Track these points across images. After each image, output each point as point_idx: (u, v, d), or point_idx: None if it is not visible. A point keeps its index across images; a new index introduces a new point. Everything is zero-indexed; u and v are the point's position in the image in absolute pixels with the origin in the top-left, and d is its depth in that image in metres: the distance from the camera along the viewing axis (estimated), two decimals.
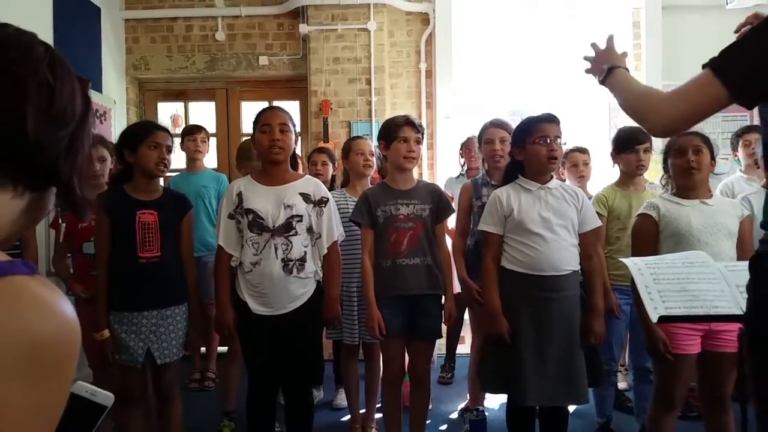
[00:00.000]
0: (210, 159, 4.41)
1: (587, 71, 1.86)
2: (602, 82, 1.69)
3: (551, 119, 2.53)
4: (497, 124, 3.15)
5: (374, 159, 3.27)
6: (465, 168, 4.12)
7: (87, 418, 0.75)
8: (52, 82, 0.69)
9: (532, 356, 2.43)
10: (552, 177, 2.60)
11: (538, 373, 2.41)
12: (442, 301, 2.76)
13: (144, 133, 2.60)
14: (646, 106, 1.43)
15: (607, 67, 1.67)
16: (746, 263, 1.43)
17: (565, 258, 2.48)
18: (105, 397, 0.76)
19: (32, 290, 0.59)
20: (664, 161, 2.61)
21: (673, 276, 1.96)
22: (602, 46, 1.82)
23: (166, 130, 2.70)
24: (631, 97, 1.53)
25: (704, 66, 1.32)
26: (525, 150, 2.54)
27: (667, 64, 5.02)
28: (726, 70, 1.28)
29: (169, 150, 2.63)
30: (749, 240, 2.47)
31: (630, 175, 3.14)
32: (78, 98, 0.73)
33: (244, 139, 4.31)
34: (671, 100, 1.37)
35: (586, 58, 1.85)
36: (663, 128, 1.41)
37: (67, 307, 0.61)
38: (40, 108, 0.67)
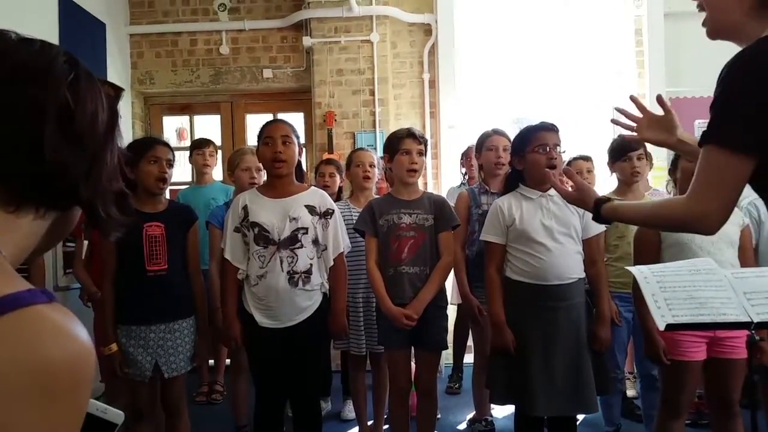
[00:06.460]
0: (215, 171, 4.43)
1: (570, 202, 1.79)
2: (598, 220, 1.61)
3: (550, 128, 2.55)
4: (501, 133, 3.17)
5: (375, 170, 3.28)
6: (466, 177, 4.13)
7: None
8: (72, 105, 0.67)
9: (541, 366, 2.42)
10: None
11: (547, 383, 2.41)
12: (447, 311, 2.76)
13: (143, 147, 2.59)
14: (683, 216, 1.27)
15: (591, 207, 1.61)
16: (753, 270, 1.43)
17: (570, 266, 2.48)
18: (115, 414, 0.77)
19: (50, 320, 0.60)
20: (674, 164, 2.61)
21: (680, 283, 1.95)
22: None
23: (166, 144, 2.71)
24: (651, 218, 1.45)
25: (704, 143, 1.20)
26: (524, 159, 2.55)
27: (670, 71, 5.02)
28: (741, 139, 1.14)
29: (170, 164, 2.63)
30: (750, 248, 2.48)
31: (627, 183, 3.14)
32: (101, 116, 0.72)
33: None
34: (706, 198, 1.21)
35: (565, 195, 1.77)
36: (720, 224, 1.25)
37: (83, 334, 0.62)
38: (59, 132, 0.66)
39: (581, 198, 1.69)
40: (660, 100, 1.66)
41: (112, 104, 0.74)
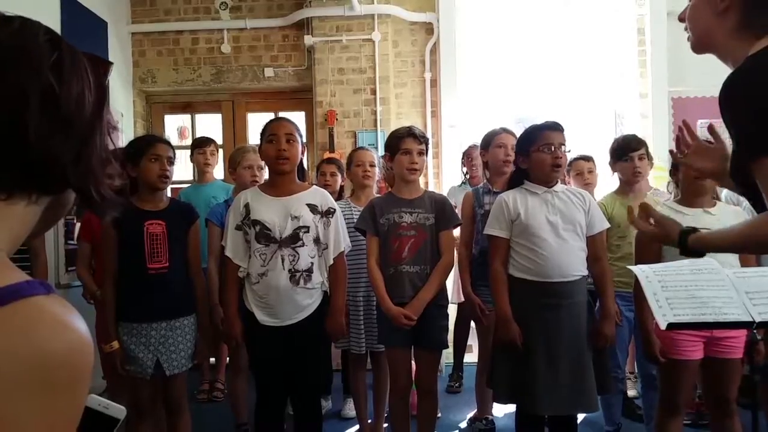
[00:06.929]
0: (216, 170, 4.43)
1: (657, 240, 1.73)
2: (685, 253, 1.53)
3: (555, 127, 2.55)
4: (509, 132, 3.15)
5: (376, 170, 3.28)
6: (467, 176, 4.12)
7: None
8: (56, 87, 0.64)
9: (543, 365, 2.42)
10: (557, 182, 2.60)
11: (549, 381, 2.41)
12: (447, 310, 2.75)
13: (144, 145, 2.61)
14: None
15: (676, 240, 1.52)
16: (755, 270, 1.43)
17: (573, 263, 2.48)
18: (117, 410, 0.77)
19: (48, 311, 0.59)
20: (674, 165, 2.61)
21: (681, 283, 1.96)
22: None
23: (167, 142, 2.72)
24: (743, 246, 1.44)
25: (757, 158, 1.14)
26: (529, 158, 2.55)
27: (673, 71, 5.01)
28: None
29: (171, 162, 2.64)
30: None
31: (628, 183, 3.14)
32: (88, 97, 0.68)
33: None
34: None
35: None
36: None
37: (82, 326, 0.61)
38: (43, 116, 0.63)
39: (665, 233, 1.59)
40: (711, 129, 1.56)
41: (100, 82, 0.71)
